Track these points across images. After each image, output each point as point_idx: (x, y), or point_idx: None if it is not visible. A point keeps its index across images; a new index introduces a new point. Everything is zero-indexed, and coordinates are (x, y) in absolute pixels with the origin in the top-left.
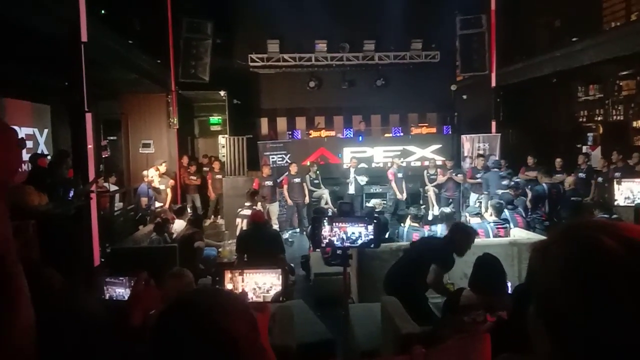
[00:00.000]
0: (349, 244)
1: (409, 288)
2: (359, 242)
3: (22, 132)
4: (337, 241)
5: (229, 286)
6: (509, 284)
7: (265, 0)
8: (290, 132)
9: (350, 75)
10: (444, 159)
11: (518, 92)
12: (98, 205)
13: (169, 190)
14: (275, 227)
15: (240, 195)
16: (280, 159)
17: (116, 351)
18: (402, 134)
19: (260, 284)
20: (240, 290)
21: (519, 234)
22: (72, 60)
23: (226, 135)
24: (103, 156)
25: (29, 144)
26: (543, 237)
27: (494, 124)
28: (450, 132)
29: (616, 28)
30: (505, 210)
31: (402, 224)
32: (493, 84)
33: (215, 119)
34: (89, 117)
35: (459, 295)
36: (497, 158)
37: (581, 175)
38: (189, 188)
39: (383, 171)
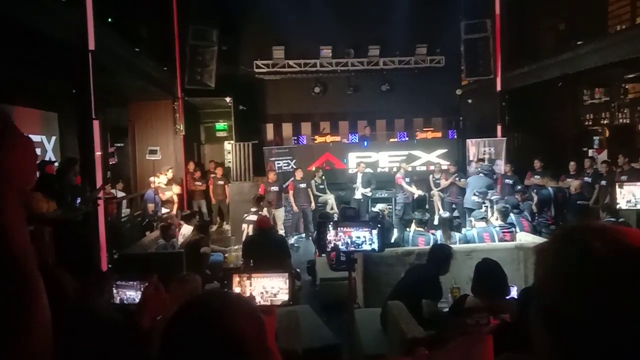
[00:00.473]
0: (353, 249)
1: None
2: (364, 246)
3: None
4: (342, 245)
5: (236, 290)
6: (514, 288)
7: (271, 7)
8: (295, 138)
9: (355, 80)
10: (449, 163)
11: (523, 96)
12: (105, 212)
13: (175, 197)
14: (281, 232)
15: (246, 200)
16: (286, 165)
17: (131, 355)
18: (407, 138)
19: (267, 287)
20: (248, 294)
21: (525, 238)
22: (80, 68)
23: (232, 141)
24: (110, 163)
25: (37, 151)
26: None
27: (499, 128)
28: (455, 137)
29: (621, 31)
30: (511, 215)
31: (407, 229)
32: (498, 88)
33: (221, 125)
34: (96, 124)
35: (463, 301)
36: (502, 162)
37: (587, 179)
38: (195, 194)
39: (389, 176)
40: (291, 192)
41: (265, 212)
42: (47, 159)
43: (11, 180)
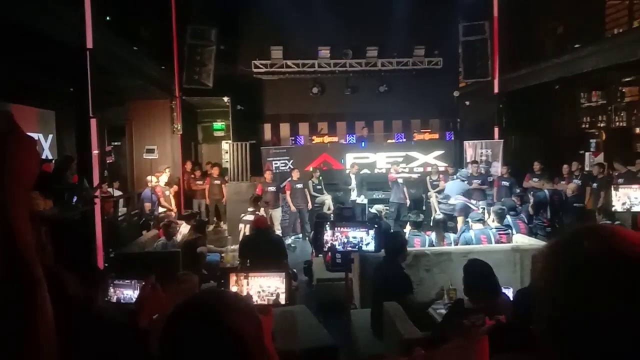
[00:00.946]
0: (350, 249)
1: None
2: (361, 247)
3: None
4: (339, 245)
5: (234, 289)
6: (510, 290)
7: (269, 7)
8: (293, 138)
9: (353, 81)
10: (447, 165)
11: (521, 98)
12: (102, 211)
13: (171, 197)
14: (278, 232)
15: (243, 200)
16: (283, 165)
17: (133, 353)
18: (404, 139)
19: (264, 287)
20: (245, 293)
21: (521, 240)
22: (78, 66)
23: (229, 141)
24: (107, 162)
25: None
26: (544, 243)
27: (496, 130)
28: (453, 138)
29: (619, 35)
30: (508, 217)
31: (403, 230)
32: (496, 90)
33: (218, 124)
34: (94, 122)
35: (461, 305)
36: (499, 165)
37: (576, 181)
38: (196, 193)
39: (386, 177)
40: (288, 192)
41: (262, 212)
42: (44, 157)
43: (16, 180)
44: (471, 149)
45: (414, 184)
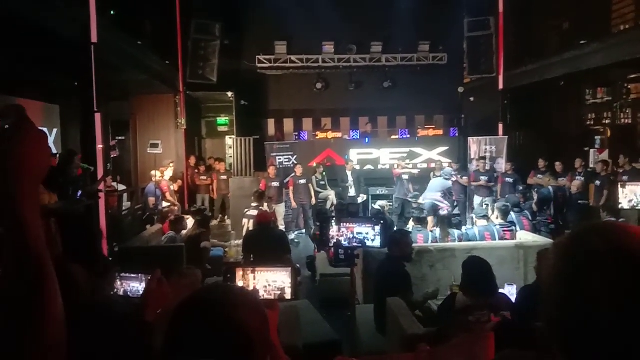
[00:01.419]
0: (355, 244)
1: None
2: (366, 242)
3: None
4: (344, 241)
5: (240, 284)
6: (514, 286)
7: (273, 2)
8: (297, 133)
9: (357, 76)
10: (451, 161)
11: (526, 94)
12: (106, 205)
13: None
14: (282, 227)
15: (246, 195)
16: (287, 160)
17: (136, 345)
18: (408, 135)
19: (270, 281)
20: (252, 288)
21: (525, 236)
22: (82, 60)
23: (233, 136)
24: (112, 156)
25: None
26: (548, 240)
27: (501, 126)
28: (457, 135)
29: (625, 31)
30: (512, 213)
31: (407, 226)
32: (501, 86)
33: (222, 119)
34: (98, 117)
35: (453, 300)
36: (503, 161)
37: (579, 178)
38: (200, 188)
39: (390, 173)
40: (291, 188)
41: (266, 207)
42: None
43: (28, 173)
44: (475, 145)
45: (419, 180)
